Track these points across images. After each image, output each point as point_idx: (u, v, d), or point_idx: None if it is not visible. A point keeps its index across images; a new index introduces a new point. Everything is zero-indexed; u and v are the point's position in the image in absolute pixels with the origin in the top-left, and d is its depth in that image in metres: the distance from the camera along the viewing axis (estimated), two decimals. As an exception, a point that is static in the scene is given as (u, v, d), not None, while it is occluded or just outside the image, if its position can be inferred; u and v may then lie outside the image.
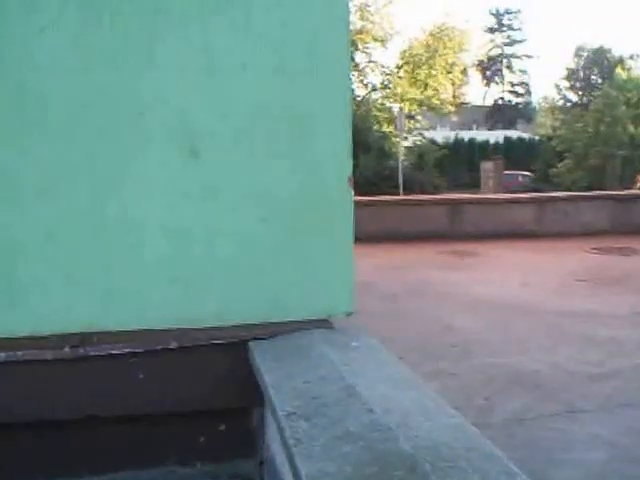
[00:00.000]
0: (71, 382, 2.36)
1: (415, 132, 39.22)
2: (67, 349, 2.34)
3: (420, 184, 31.73)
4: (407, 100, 37.30)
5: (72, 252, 2.36)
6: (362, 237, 6.81)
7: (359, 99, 36.91)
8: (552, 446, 2.52)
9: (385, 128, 36.44)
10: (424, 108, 38.94)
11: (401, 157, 30.16)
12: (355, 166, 2.71)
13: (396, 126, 31.25)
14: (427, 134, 41.70)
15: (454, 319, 4.21)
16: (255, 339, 2.33)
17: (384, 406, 1.58)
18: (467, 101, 55.60)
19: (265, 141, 2.43)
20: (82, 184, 2.35)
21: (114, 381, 2.38)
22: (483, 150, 42.69)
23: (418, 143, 39.03)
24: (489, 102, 69.56)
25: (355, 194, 2.57)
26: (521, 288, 5.25)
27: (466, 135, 46.91)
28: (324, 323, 2.43)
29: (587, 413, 2.79)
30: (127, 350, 2.36)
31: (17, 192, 2.32)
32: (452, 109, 40.18)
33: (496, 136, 47.98)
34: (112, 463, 2.42)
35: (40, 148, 2.32)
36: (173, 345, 2.37)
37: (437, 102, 38.49)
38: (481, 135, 49.07)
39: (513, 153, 42.69)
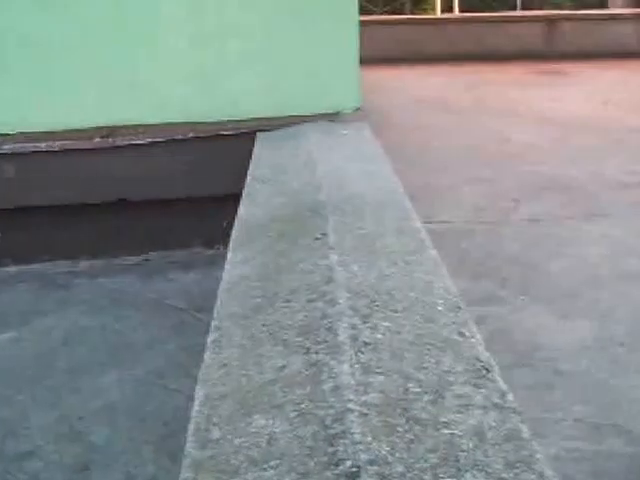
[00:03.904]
0: (102, 169, 2.63)
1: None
2: (97, 139, 2.58)
3: (540, 2, 29.45)
4: None
5: (101, 55, 2.56)
6: (452, 56, 6.63)
7: None
8: (558, 242, 2.59)
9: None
10: None
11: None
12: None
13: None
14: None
15: (514, 133, 4.15)
16: (263, 131, 2.49)
17: (329, 172, 1.74)
18: None
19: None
20: None
21: (140, 168, 2.62)
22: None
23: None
24: None
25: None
26: (601, 106, 5.03)
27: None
28: (331, 117, 2.54)
29: (606, 217, 2.80)
30: (149, 140, 2.58)
31: None
32: None
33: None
34: (143, 245, 2.72)
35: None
36: (190, 135, 2.56)
37: None
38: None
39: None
